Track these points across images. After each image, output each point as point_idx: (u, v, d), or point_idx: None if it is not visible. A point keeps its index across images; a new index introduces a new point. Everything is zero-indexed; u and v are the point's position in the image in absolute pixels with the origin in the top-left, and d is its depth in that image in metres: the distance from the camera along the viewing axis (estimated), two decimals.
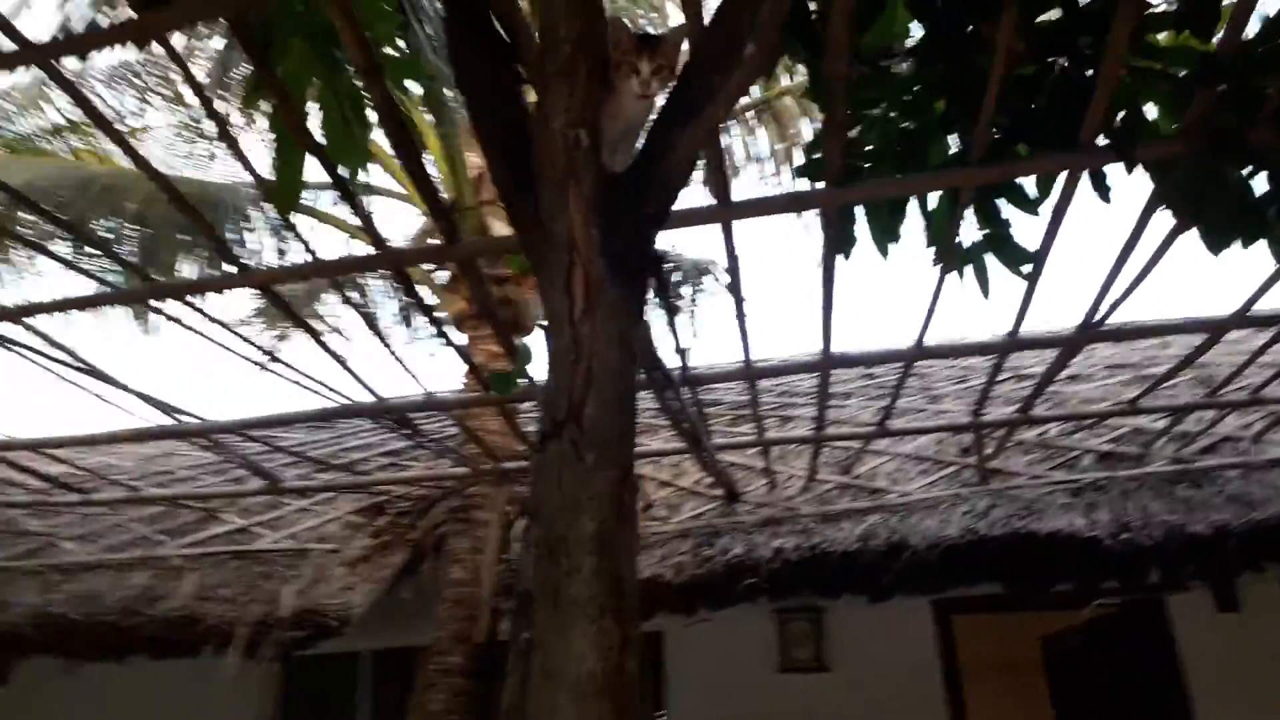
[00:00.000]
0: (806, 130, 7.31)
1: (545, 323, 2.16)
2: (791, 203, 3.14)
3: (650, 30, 2.28)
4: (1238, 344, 4.69)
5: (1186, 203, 3.21)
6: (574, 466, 1.85)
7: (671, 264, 6.32)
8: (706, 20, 2.23)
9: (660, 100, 2.21)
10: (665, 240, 6.74)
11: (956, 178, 3.11)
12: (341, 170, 3.20)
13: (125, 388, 3.97)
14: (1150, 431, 5.64)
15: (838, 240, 3.43)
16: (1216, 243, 3.52)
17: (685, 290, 6.12)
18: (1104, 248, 3.98)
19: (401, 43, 3.21)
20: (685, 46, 2.20)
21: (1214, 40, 2.87)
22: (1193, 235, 3.50)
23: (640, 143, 2.25)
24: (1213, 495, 5.12)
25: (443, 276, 6.53)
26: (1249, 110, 2.84)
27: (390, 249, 3.79)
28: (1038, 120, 3.21)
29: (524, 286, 5.97)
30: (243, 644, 4.76)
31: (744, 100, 7.52)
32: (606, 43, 2.10)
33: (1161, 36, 2.96)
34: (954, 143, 3.60)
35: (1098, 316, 3.89)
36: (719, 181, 3.05)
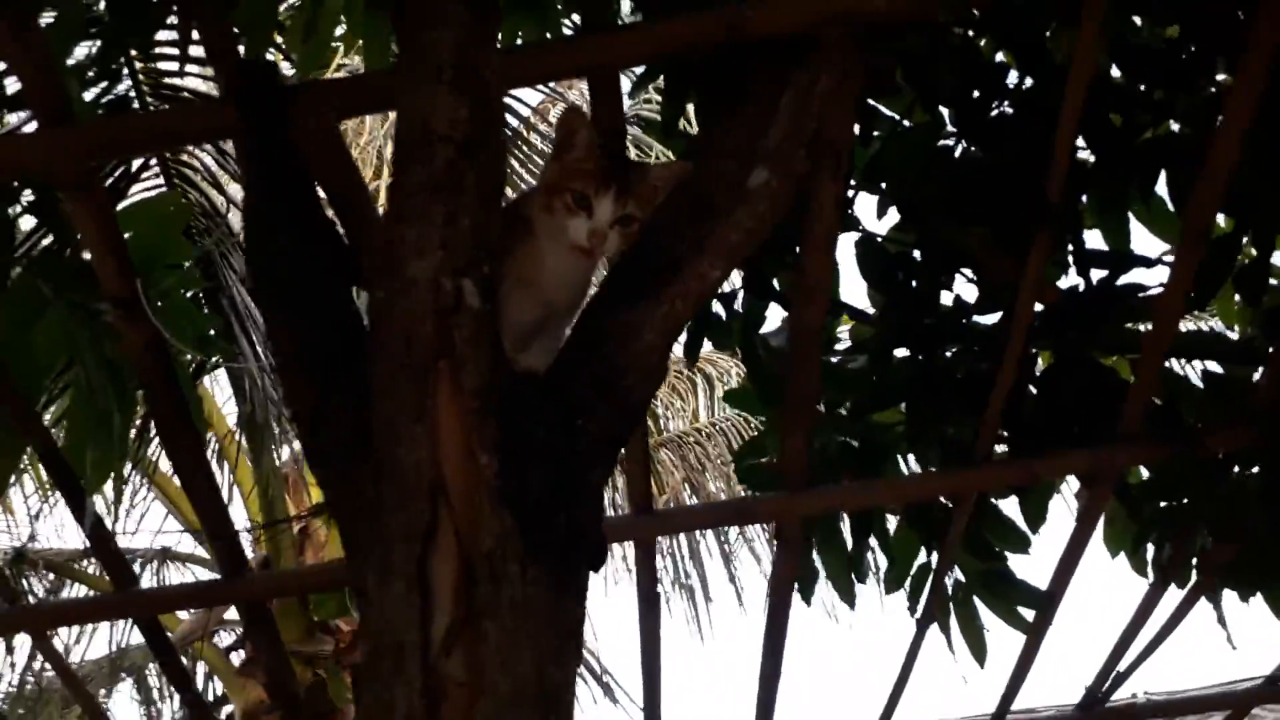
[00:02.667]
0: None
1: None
2: (737, 514, 2.19)
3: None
4: None
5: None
6: None
7: None
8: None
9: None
10: None
11: (962, 480, 2.26)
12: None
13: None
14: None
15: (799, 572, 2.47)
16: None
17: None
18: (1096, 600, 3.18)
19: None
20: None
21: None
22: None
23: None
24: None
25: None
26: None
27: (132, 591, 2.52)
28: (1026, 418, 2.51)
29: (346, 666, 4.60)
30: None
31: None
32: (506, 153, 1.20)
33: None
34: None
35: (1104, 688, 2.95)
36: (640, 487, 2.10)
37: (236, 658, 5.07)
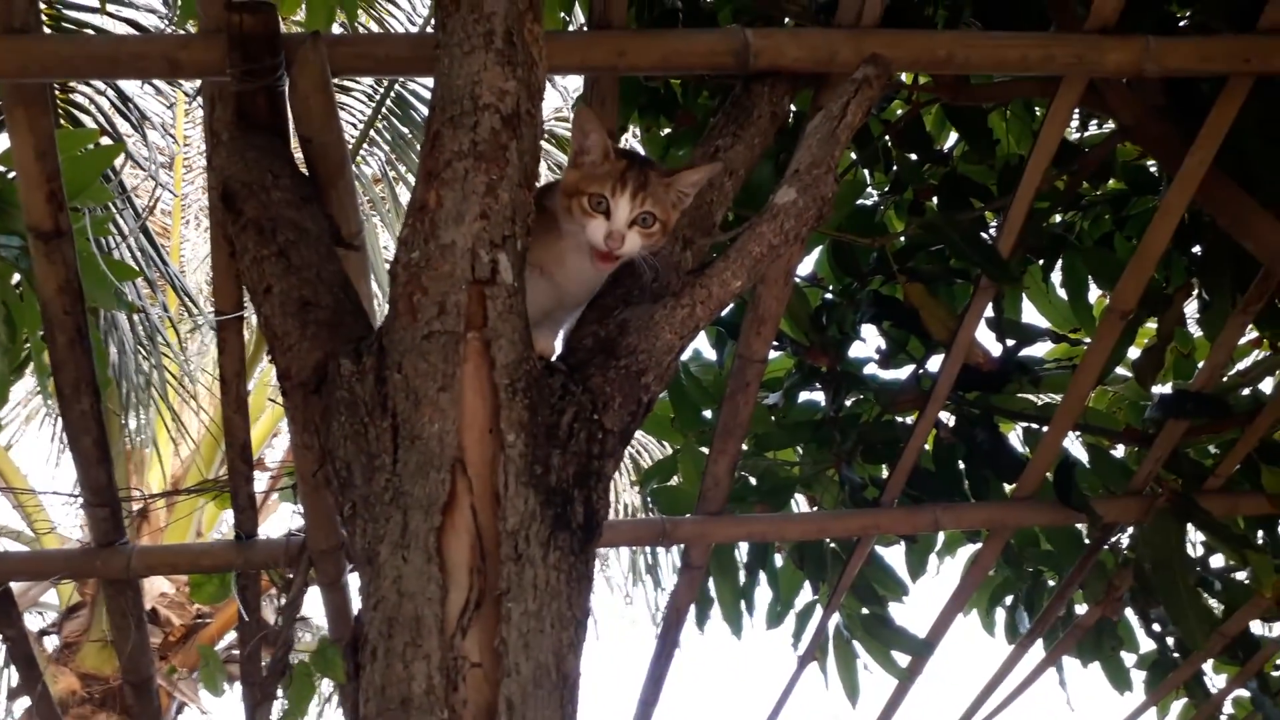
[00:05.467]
0: None
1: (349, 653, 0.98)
2: (656, 534, 2.19)
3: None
4: None
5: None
6: None
7: None
8: None
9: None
10: None
11: (871, 520, 2.33)
12: None
13: None
14: None
15: (697, 601, 2.48)
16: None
17: None
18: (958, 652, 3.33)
19: None
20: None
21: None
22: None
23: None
24: None
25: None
26: (1196, 476, 2.37)
27: None
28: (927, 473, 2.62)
29: (178, 656, 4.30)
30: None
31: None
32: (539, 136, 1.17)
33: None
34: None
35: None
36: None
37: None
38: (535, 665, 0.89)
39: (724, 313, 2.49)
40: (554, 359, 1.19)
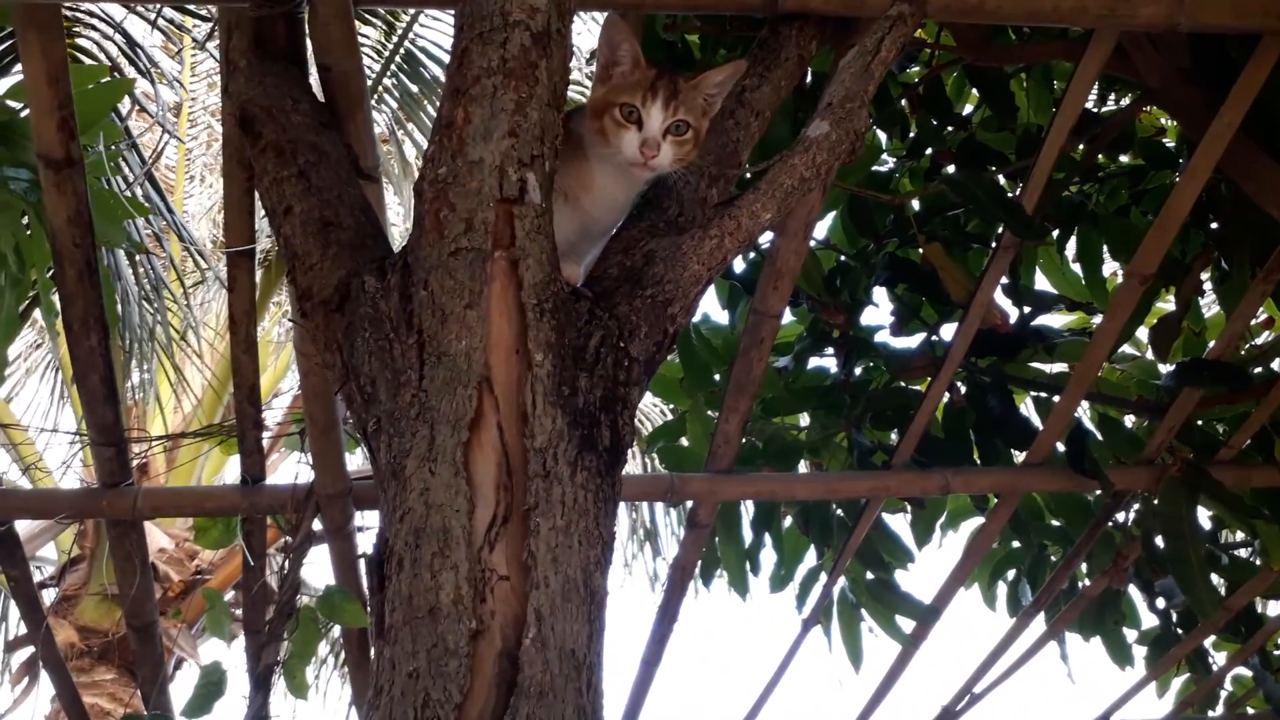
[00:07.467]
0: None
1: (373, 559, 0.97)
2: (664, 490, 2.17)
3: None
4: None
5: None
6: None
7: None
8: None
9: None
10: None
11: (881, 482, 2.31)
12: None
13: None
14: None
15: (702, 561, 2.47)
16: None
17: None
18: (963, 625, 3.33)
19: None
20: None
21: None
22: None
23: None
24: None
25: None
26: (1208, 447, 2.36)
27: None
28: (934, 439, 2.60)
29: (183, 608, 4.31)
30: None
31: None
32: (568, 51, 1.14)
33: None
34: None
35: (959, 708, 3.08)
36: None
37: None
38: (564, 579, 0.88)
39: (739, 269, 2.49)
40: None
